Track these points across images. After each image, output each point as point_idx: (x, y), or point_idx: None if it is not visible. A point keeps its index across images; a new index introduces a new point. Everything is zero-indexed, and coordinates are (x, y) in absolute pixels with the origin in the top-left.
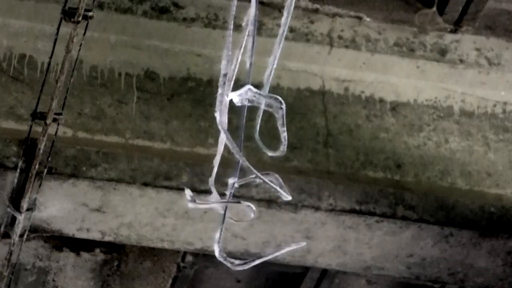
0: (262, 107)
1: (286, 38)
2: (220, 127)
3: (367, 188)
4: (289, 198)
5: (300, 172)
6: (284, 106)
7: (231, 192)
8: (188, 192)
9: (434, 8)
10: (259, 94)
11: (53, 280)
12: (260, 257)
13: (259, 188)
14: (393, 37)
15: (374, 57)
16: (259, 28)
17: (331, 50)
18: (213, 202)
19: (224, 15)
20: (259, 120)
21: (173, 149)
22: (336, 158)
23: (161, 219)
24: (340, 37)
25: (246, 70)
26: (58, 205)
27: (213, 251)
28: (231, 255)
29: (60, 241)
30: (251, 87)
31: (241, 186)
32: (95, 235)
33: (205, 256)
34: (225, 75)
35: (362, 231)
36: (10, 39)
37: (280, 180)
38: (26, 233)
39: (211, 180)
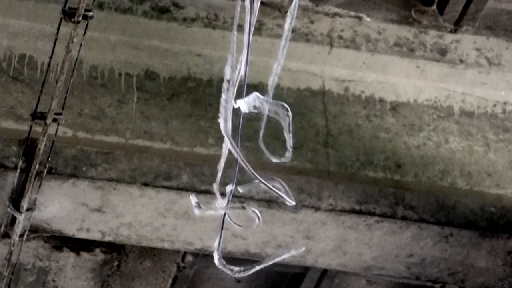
0: (266, 113)
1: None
2: (224, 134)
3: (367, 188)
4: (293, 203)
5: (300, 172)
6: (290, 113)
7: (229, 199)
8: (193, 199)
9: (434, 8)
10: (266, 101)
11: (53, 280)
12: (260, 262)
13: (259, 188)
14: (393, 37)
15: (374, 57)
16: (259, 28)
17: (331, 50)
18: (218, 208)
19: (224, 15)
20: (263, 126)
21: (173, 149)
22: (336, 158)
23: (161, 219)
24: (340, 37)
25: (246, 75)
26: (58, 205)
27: (213, 251)
28: (230, 254)
29: (60, 241)
30: (258, 94)
31: (240, 185)
32: (95, 235)
33: (205, 256)
34: (228, 80)
35: (362, 231)
36: (10, 39)
37: (285, 185)
38: (26, 233)
39: (216, 185)
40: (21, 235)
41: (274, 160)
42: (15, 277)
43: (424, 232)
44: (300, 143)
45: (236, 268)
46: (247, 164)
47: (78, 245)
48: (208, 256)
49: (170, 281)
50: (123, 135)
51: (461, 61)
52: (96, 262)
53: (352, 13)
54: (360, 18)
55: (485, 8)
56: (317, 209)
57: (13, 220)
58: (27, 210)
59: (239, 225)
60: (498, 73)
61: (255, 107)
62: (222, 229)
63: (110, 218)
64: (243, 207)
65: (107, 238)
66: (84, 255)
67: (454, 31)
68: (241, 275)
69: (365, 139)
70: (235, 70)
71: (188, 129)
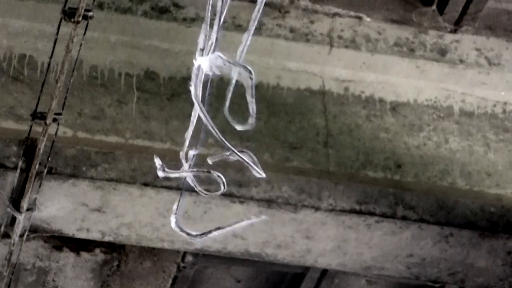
0: (234, 76)
1: (286, 38)
2: (194, 100)
3: (367, 188)
4: (263, 175)
5: (300, 172)
6: (253, 76)
7: (190, 164)
8: (157, 161)
9: (434, 8)
10: (228, 61)
11: (53, 280)
12: (219, 228)
13: (259, 188)
14: (393, 37)
15: (374, 57)
16: (259, 28)
17: (331, 50)
18: (183, 171)
19: (224, 15)
20: (230, 93)
21: (173, 149)
22: (336, 158)
23: (161, 219)
24: (340, 37)
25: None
26: (58, 205)
27: (213, 251)
28: (230, 254)
29: (60, 241)
30: (221, 54)
31: (240, 185)
32: (95, 235)
33: (205, 256)
34: (202, 49)
35: (362, 231)
36: (10, 39)
37: (254, 158)
38: (26, 233)
39: (182, 153)
40: (21, 235)
41: (238, 127)
42: (15, 277)
43: (424, 232)
44: (300, 143)
45: (194, 232)
46: (216, 130)
47: (78, 245)
48: (208, 256)
49: (170, 281)
50: (123, 135)
51: (461, 61)
52: (96, 262)
53: (352, 13)
54: (360, 18)
55: (485, 8)
56: (317, 209)
57: (13, 220)
58: (27, 210)
59: (204, 193)
60: (498, 73)
61: (218, 67)
62: (182, 193)
63: (110, 218)
64: (208, 172)
65: (107, 238)
66: (84, 255)
67: (454, 31)
68: (199, 239)
69: (365, 139)
70: (208, 39)
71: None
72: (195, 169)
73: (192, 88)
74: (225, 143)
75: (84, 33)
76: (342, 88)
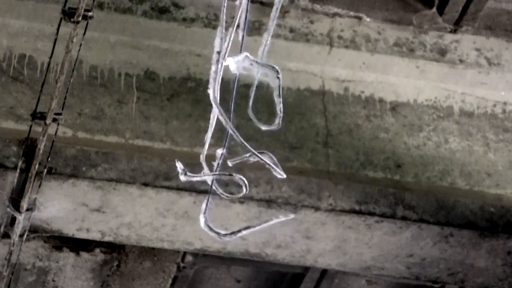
0: (257, 76)
1: (286, 38)
2: (213, 103)
3: (367, 188)
4: (284, 176)
5: (300, 172)
6: (280, 75)
7: (218, 163)
8: (179, 165)
9: (434, 8)
10: (256, 62)
11: (53, 280)
12: (247, 227)
13: (259, 188)
14: (393, 37)
15: (374, 57)
16: (259, 28)
17: (331, 50)
18: (205, 175)
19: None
20: (253, 92)
21: (173, 149)
22: (336, 158)
23: (161, 219)
24: (340, 37)
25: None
26: (58, 205)
27: (213, 251)
28: (230, 254)
29: (60, 241)
30: (248, 55)
31: (239, 185)
32: (95, 235)
33: (205, 256)
34: (218, 52)
35: (362, 231)
36: (10, 39)
37: (275, 158)
38: (26, 233)
39: (202, 156)
40: (21, 235)
41: (263, 127)
42: (15, 277)
43: (424, 232)
44: (300, 143)
45: (223, 232)
46: (236, 133)
47: (78, 245)
48: (208, 256)
49: (170, 281)
50: (123, 135)
51: (461, 61)
52: (96, 262)
53: (352, 13)
54: (360, 18)
55: (485, 8)
56: (317, 209)
57: (13, 220)
58: (27, 210)
59: (226, 196)
60: (498, 73)
61: (244, 68)
62: (209, 193)
63: (110, 218)
64: (230, 175)
65: (107, 238)
66: (84, 255)
67: (454, 31)
68: (227, 238)
69: (365, 139)
70: (224, 42)
71: (188, 129)
72: (217, 173)
73: (210, 92)
74: (246, 145)
75: (84, 33)
76: (342, 88)
